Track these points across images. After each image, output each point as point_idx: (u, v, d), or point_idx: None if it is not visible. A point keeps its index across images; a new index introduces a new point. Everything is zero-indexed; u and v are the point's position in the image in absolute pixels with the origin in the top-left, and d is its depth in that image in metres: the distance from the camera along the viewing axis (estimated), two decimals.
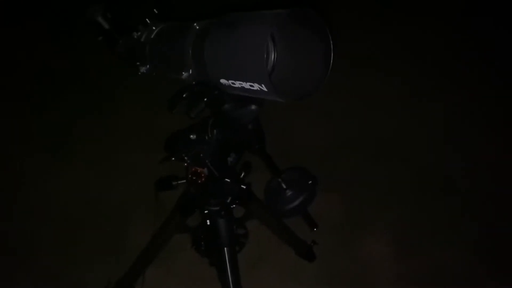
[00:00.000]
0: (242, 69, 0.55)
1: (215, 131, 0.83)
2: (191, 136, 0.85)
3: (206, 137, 0.84)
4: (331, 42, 0.57)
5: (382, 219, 1.64)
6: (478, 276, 1.46)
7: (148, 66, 0.82)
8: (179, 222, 1.09)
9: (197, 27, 0.66)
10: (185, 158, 0.89)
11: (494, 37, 2.31)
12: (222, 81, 0.60)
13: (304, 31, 0.54)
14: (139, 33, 0.84)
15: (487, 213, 1.63)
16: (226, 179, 0.91)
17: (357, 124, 2.01)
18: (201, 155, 0.86)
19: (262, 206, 1.16)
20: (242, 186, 0.96)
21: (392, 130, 1.95)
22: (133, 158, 1.90)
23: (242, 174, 0.99)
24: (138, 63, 0.84)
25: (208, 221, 0.98)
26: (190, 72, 0.68)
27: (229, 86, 0.59)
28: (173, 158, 0.92)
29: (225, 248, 0.97)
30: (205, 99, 0.76)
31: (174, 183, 0.99)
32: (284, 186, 0.76)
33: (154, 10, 0.85)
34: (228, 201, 0.97)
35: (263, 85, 0.52)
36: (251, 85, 0.54)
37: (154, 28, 0.81)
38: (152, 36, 0.79)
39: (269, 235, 1.37)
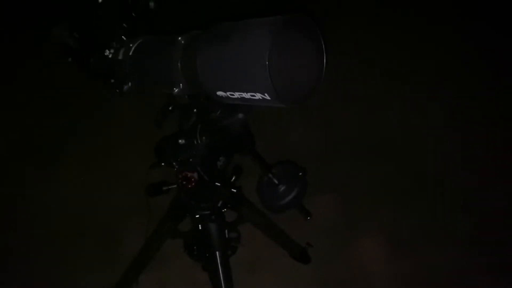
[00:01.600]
0: (242, 80, 0.55)
1: (203, 137, 0.83)
2: (180, 141, 0.85)
3: (195, 142, 0.84)
4: (324, 45, 0.57)
5: (376, 220, 1.64)
6: (473, 274, 1.46)
7: (130, 84, 0.80)
8: (171, 227, 1.09)
9: (182, 41, 0.66)
10: (175, 163, 0.89)
11: (493, 38, 2.32)
12: (219, 93, 0.59)
13: (297, 35, 0.54)
14: (112, 50, 0.82)
15: (481, 213, 1.63)
16: (217, 183, 0.91)
17: (352, 126, 2.02)
18: (191, 159, 0.86)
19: (254, 209, 1.16)
20: (232, 189, 0.96)
21: (387, 131, 1.96)
22: (128, 164, 1.90)
23: (233, 178, 1.00)
24: (117, 82, 0.82)
25: (199, 225, 0.98)
26: (181, 86, 0.67)
27: (227, 97, 0.59)
28: (162, 164, 0.92)
29: (217, 252, 0.97)
30: (195, 110, 0.76)
31: (164, 188, 1.00)
32: (276, 181, 0.76)
33: (124, 24, 0.83)
34: (219, 205, 0.98)
35: (266, 94, 0.52)
36: (252, 95, 0.54)
37: (131, 44, 0.78)
38: (130, 53, 0.77)
39: (263, 239, 1.37)
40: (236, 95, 0.57)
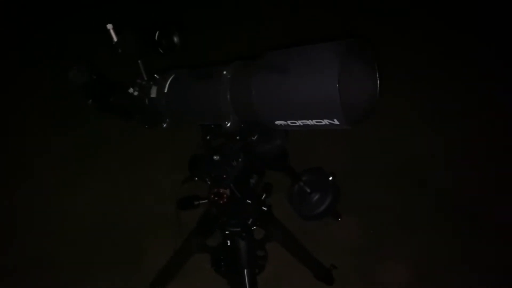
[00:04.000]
0: (308, 109, 0.53)
1: (240, 159, 0.83)
2: (215, 157, 0.86)
3: (230, 160, 0.84)
4: (377, 67, 0.57)
5: (400, 244, 1.61)
6: None
7: (168, 120, 0.80)
8: (199, 242, 1.09)
9: (228, 75, 0.65)
10: (208, 179, 0.90)
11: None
12: (278, 122, 0.58)
13: (356, 59, 0.54)
14: (137, 88, 0.82)
15: (506, 239, 1.58)
16: (248, 200, 0.91)
17: (376, 147, 2.00)
18: (224, 176, 0.86)
19: (282, 228, 1.16)
20: (263, 207, 0.96)
21: (411, 153, 1.93)
22: (154, 176, 1.93)
23: (263, 196, 1.00)
24: (145, 118, 0.82)
25: (228, 241, 0.98)
26: (232, 119, 0.67)
27: (286, 125, 0.58)
28: (196, 178, 0.93)
29: (245, 270, 0.96)
30: (238, 137, 0.76)
31: (196, 202, 1.00)
32: (308, 190, 0.75)
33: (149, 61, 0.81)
34: (249, 222, 0.97)
35: (335, 119, 0.52)
36: (318, 122, 0.54)
37: (164, 81, 0.78)
38: (165, 90, 0.77)
39: (286, 257, 1.36)
40: (299, 123, 0.56)
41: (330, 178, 0.76)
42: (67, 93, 2.37)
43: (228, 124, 0.67)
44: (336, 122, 0.52)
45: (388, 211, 1.72)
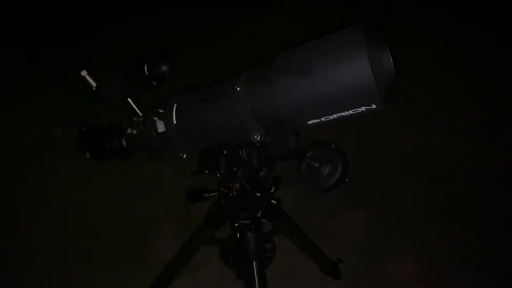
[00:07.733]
0: (345, 100, 0.52)
1: (252, 159, 0.83)
2: (225, 151, 0.86)
3: (240, 153, 0.85)
4: (388, 47, 0.57)
5: (407, 238, 1.61)
6: None
7: (185, 149, 0.78)
8: (208, 234, 1.11)
9: (242, 89, 0.63)
10: (217, 171, 0.91)
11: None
12: (311, 122, 0.58)
13: (371, 42, 0.53)
14: (135, 127, 0.80)
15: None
16: (257, 193, 0.92)
17: (382, 142, 1.99)
18: (234, 169, 0.87)
19: (290, 221, 1.17)
20: (272, 201, 0.97)
21: (419, 149, 1.93)
22: (162, 170, 1.94)
23: (272, 189, 1.00)
24: (155, 153, 0.82)
25: (237, 234, 0.99)
26: (259, 132, 0.66)
27: (319, 122, 0.57)
28: (206, 171, 0.93)
29: (254, 262, 0.97)
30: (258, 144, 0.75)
31: (205, 195, 1.01)
32: (317, 165, 0.74)
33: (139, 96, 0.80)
34: (259, 215, 0.98)
35: (373, 104, 0.51)
36: (354, 111, 0.53)
37: (168, 113, 0.76)
38: (174, 121, 0.75)
39: (294, 251, 1.37)
40: (333, 117, 0.55)
41: (333, 146, 0.75)
42: (73, 91, 2.41)
43: (258, 137, 0.65)
44: (373, 106, 0.51)
45: (394, 206, 1.72)
